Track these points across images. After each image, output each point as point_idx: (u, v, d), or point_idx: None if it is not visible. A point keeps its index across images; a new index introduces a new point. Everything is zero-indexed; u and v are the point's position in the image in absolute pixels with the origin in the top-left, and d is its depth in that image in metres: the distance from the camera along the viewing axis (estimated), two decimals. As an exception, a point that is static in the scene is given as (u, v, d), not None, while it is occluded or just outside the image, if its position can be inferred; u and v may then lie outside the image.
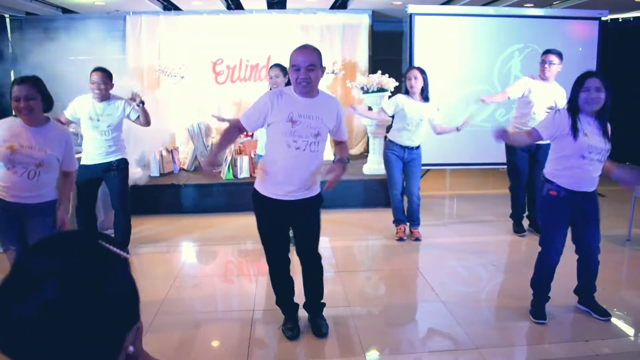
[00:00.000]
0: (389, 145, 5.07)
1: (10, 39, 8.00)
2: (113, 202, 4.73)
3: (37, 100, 3.09)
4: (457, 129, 5.08)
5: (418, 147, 5.05)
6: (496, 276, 4.45)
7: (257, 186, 3.17)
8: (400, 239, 5.16)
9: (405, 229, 5.24)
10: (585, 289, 3.53)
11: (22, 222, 3.21)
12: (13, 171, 3.10)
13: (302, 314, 3.45)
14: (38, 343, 0.75)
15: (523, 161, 5.17)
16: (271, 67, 4.83)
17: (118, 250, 0.88)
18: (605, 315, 3.43)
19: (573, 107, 3.26)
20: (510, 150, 5.20)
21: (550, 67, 4.96)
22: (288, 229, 3.35)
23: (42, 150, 3.13)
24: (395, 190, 5.15)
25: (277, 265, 3.33)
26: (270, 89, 4.64)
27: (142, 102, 4.48)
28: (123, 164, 4.64)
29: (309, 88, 2.98)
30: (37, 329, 0.74)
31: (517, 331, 3.39)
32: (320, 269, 3.39)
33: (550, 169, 3.38)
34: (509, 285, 4.24)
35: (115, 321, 0.82)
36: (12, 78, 7.56)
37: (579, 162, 3.22)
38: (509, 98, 5.21)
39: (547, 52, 5.03)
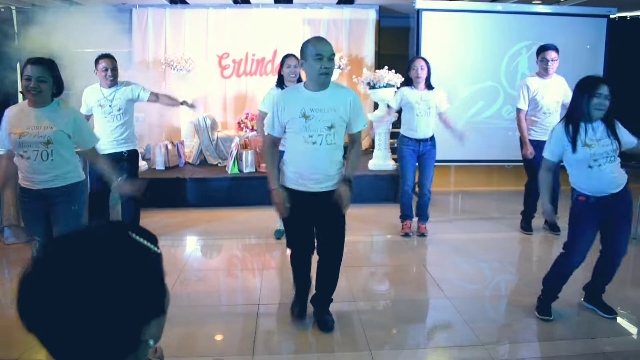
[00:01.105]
0: (403, 140, 5.04)
1: (16, 30, 7.99)
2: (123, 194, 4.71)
3: (47, 83, 3.12)
4: (460, 137, 5.03)
5: (432, 139, 4.99)
6: (501, 273, 4.44)
7: (283, 182, 3.20)
8: (406, 235, 5.16)
9: (411, 225, 5.23)
10: (596, 288, 3.50)
11: (47, 211, 3.23)
12: (27, 156, 3.13)
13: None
14: (61, 328, 0.78)
15: (537, 158, 5.13)
16: (288, 56, 4.74)
17: (148, 244, 0.89)
18: (611, 313, 3.42)
19: (577, 114, 3.20)
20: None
21: (553, 64, 4.93)
22: (313, 221, 3.27)
23: (47, 127, 3.13)
24: (406, 186, 5.14)
25: (300, 258, 3.37)
26: (283, 81, 4.68)
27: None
28: (134, 154, 4.67)
29: (329, 78, 3.02)
30: (60, 314, 0.77)
31: (523, 328, 3.38)
32: (339, 265, 3.34)
33: (573, 180, 3.34)
34: (515, 282, 4.24)
35: (136, 313, 0.83)
36: (19, 69, 7.57)
37: (590, 171, 3.20)
38: (527, 111, 5.11)
39: (546, 49, 4.96)
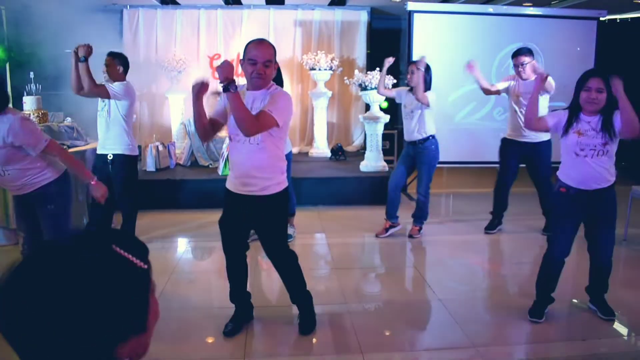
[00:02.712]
0: (405, 142, 5.16)
1: (5, 30, 7.92)
2: (117, 200, 4.57)
3: None
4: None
5: (423, 142, 4.95)
6: (493, 274, 4.45)
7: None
8: (376, 236, 5.19)
9: (390, 226, 5.21)
10: (595, 288, 3.51)
11: (32, 210, 3.21)
12: None
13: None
14: (34, 340, 0.75)
15: (510, 156, 5.17)
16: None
17: (134, 258, 0.84)
18: (609, 314, 3.42)
19: (574, 106, 3.26)
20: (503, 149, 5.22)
21: (524, 68, 4.96)
22: (244, 222, 3.23)
23: None
24: (390, 182, 5.17)
25: (233, 260, 3.34)
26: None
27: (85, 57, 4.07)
28: (123, 159, 4.48)
29: (260, 82, 2.92)
30: (33, 326, 0.75)
31: (515, 329, 3.39)
32: (289, 266, 3.32)
33: (560, 168, 3.38)
34: (507, 283, 4.25)
35: (113, 330, 0.80)
36: (8, 70, 7.50)
37: (575, 159, 3.23)
38: (497, 90, 5.24)
39: (517, 54, 5.01)
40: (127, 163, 4.52)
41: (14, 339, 0.76)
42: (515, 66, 5.01)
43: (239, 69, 8.41)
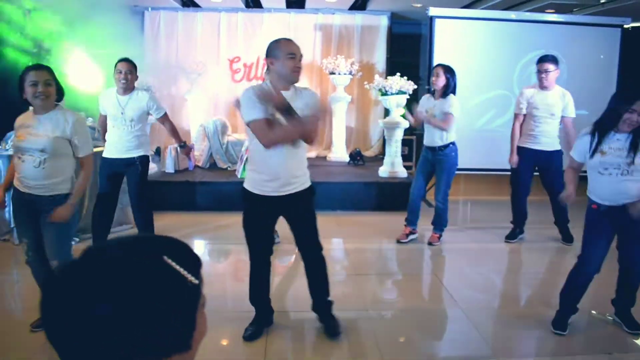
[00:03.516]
0: (423, 146, 5.11)
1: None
2: (133, 200, 4.68)
3: (53, 87, 3.11)
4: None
5: (444, 148, 4.89)
6: (515, 284, 4.40)
7: (246, 184, 3.16)
8: (398, 241, 5.15)
9: (410, 232, 5.20)
10: (622, 301, 3.44)
11: (37, 215, 3.18)
12: (22, 160, 3.10)
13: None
14: (76, 344, 0.73)
15: (523, 166, 5.09)
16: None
17: (185, 272, 0.79)
18: (635, 329, 3.35)
19: (607, 123, 3.14)
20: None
21: (547, 75, 4.87)
22: (273, 224, 3.30)
23: (45, 135, 3.08)
24: (412, 190, 5.14)
25: (261, 263, 3.30)
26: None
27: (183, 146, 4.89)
28: (145, 160, 4.60)
29: (299, 76, 3.00)
30: (77, 335, 0.73)
31: (538, 341, 3.34)
32: (323, 261, 3.34)
33: (588, 185, 3.30)
34: (529, 293, 4.19)
35: (154, 347, 0.76)
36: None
37: (600, 177, 3.17)
38: (523, 115, 5.09)
39: (542, 60, 4.91)
40: (148, 163, 4.69)
41: (57, 344, 0.75)
42: (539, 72, 4.92)
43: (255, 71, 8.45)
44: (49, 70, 3.11)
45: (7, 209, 5.03)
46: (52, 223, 3.12)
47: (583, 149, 3.24)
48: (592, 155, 3.17)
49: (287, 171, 3.04)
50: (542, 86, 4.93)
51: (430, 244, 5.12)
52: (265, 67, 4.51)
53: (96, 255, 0.79)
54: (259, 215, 3.16)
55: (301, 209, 3.19)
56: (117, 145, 4.43)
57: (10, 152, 4.97)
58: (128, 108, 4.38)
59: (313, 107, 3.04)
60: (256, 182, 3.07)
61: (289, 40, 3.00)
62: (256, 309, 3.38)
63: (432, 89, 4.96)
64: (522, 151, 5.06)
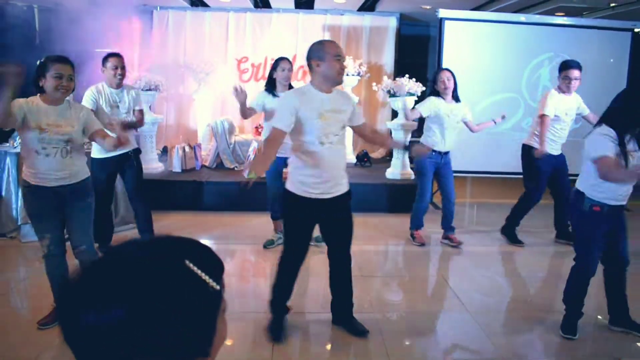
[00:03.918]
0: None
1: (37, 29, 8.03)
2: (131, 194, 4.70)
3: (73, 82, 3.19)
4: (494, 122, 5.18)
5: (448, 151, 5.02)
6: (523, 287, 4.37)
7: (292, 187, 3.11)
8: (423, 244, 5.12)
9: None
10: (619, 305, 3.41)
11: (59, 208, 3.23)
12: (45, 153, 3.11)
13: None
14: (93, 347, 0.72)
15: (542, 168, 5.05)
16: (282, 59, 4.71)
17: (206, 276, 0.78)
18: None
19: (632, 124, 3.05)
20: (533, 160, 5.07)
21: (576, 82, 4.85)
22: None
23: (70, 126, 3.15)
24: (425, 199, 5.13)
25: (295, 267, 3.27)
26: (275, 84, 4.70)
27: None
28: (139, 152, 4.69)
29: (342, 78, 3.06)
30: (93, 334, 0.71)
31: (546, 345, 3.31)
32: (350, 264, 3.36)
33: (591, 187, 3.19)
34: (537, 297, 4.15)
35: (171, 351, 0.74)
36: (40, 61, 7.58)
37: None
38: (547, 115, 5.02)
39: (570, 66, 4.84)
40: (140, 154, 4.75)
41: (74, 345, 0.74)
42: (566, 78, 4.84)
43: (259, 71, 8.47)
44: (72, 65, 3.16)
45: (14, 206, 5.07)
46: (81, 211, 3.27)
47: (612, 146, 3.04)
48: (627, 161, 3.02)
49: (338, 171, 3.10)
50: (567, 91, 4.89)
51: (456, 245, 5.12)
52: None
53: (117, 256, 0.78)
54: (305, 219, 3.14)
55: (344, 212, 3.21)
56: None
57: (20, 149, 4.98)
58: (124, 101, 4.43)
59: (356, 115, 3.18)
60: (306, 184, 3.04)
61: (333, 42, 3.04)
62: (278, 314, 3.34)
63: (437, 92, 4.92)
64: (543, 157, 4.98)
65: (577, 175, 3.38)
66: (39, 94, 3.16)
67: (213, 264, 0.82)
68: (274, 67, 4.71)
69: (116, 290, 0.72)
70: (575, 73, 4.81)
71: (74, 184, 3.24)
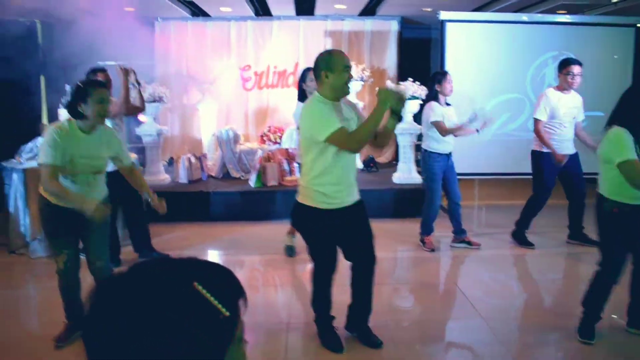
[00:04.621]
0: (432, 156, 4.97)
1: (40, 43, 8.06)
2: (131, 211, 4.73)
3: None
4: (477, 131, 5.02)
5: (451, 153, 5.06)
6: (536, 291, 4.33)
7: (311, 202, 3.07)
8: (433, 250, 5.08)
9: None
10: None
11: (78, 225, 3.21)
12: (71, 181, 3.11)
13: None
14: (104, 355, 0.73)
15: (549, 170, 5.02)
16: (308, 70, 4.72)
17: (215, 302, 0.74)
18: None
19: None
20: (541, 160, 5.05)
21: (578, 78, 4.84)
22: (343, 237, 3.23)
23: (100, 157, 3.18)
24: (436, 204, 5.11)
25: (330, 279, 3.24)
26: (306, 95, 4.64)
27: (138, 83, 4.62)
28: (136, 165, 4.66)
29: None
30: (104, 344, 0.72)
31: (563, 351, 3.28)
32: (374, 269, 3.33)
33: (613, 188, 3.13)
34: (551, 301, 4.12)
35: None
36: (42, 83, 7.62)
37: None
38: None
39: (571, 63, 4.86)
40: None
41: (90, 353, 0.74)
42: (568, 75, 4.85)
43: (276, 80, 8.45)
44: (107, 88, 3.24)
45: (22, 223, 5.07)
46: (98, 228, 3.25)
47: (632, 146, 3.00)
48: None
49: (351, 179, 3.10)
50: (568, 89, 4.88)
51: (479, 246, 5.13)
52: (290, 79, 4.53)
53: (129, 276, 0.78)
54: (330, 231, 3.10)
55: (363, 219, 3.20)
56: None
57: (27, 166, 4.98)
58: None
59: (361, 119, 3.14)
60: (326, 195, 3.02)
61: (341, 52, 3.05)
62: (325, 326, 3.30)
63: (436, 96, 4.91)
64: (550, 158, 4.95)
65: (590, 174, 3.33)
66: (71, 119, 3.13)
67: (228, 289, 0.79)
68: (303, 79, 4.75)
69: (126, 306, 0.73)
70: (577, 69, 4.82)
71: None
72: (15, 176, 5.07)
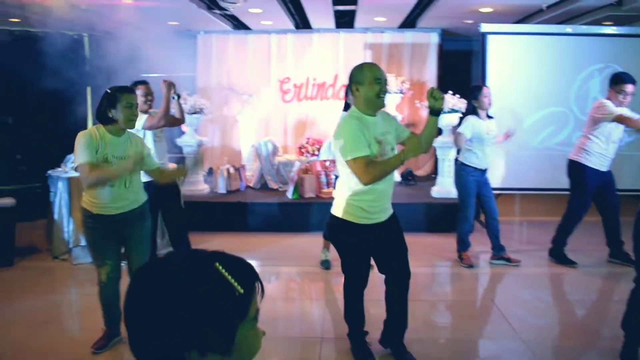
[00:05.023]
0: (467, 170, 4.89)
1: (88, 56, 8.31)
2: (170, 219, 4.75)
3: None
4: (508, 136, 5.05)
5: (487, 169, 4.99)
6: (576, 311, 4.18)
7: (348, 216, 3.04)
8: (471, 266, 4.99)
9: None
10: None
11: (119, 234, 3.29)
12: (109, 184, 3.16)
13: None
14: (135, 331, 0.90)
15: (595, 186, 4.86)
16: None
17: (232, 280, 0.89)
18: None
19: None
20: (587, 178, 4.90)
21: (628, 98, 4.66)
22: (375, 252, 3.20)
23: (131, 157, 3.20)
24: (470, 220, 5.05)
25: (361, 293, 3.21)
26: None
27: (178, 95, 4.65)
28: None
29: (385, 101, 3.02)
30: (136, 320, 0.89)
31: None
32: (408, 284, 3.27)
33: None
34: (592, 321, 3.96)
35: (189, 339, 0.87)
36: (89, 94, 7.84)
37: None
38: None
39: (625, 80, 4.64)
40: None
41: (128, 325, 0.91)
42: (620, 93, 4.64)
43: (315, 92, 8.50)
44: (135, 93, 3.27)
45: (65, 229, 5.20)
46: (139, 234, 3.34)
47: None
48: None
49: (387, 195, 3.07)
50: (619, 105, 4.67)
51: (518, 264, 5.02)
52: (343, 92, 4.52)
53: (165, 259, 0.95)
54: (364, 246, 3.07)
55: (398, 232, 3.16)
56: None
57: (71, 174, 5.12)
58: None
59: (400, 129, 3.13)
60: (365, 210, 2.99)
61: (373, 65, 3.01)
62: (358, 341, 3.28)
63: (474, 110, 4.85)
64: (592, 173, 4.82)
65: (625, 190, 3.23)
66: (101, 125, 3.21)
67: (244, 272, 0.93)
68: (347, 92, 4.74)
69: (154, 282, 0.90)
70: (630, 88, 4.63)
71: (133, 209, 3.30)
72: (60, 184, 5.22)
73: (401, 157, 2.81)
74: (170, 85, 4.44)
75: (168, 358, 0.87)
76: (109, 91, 3.19)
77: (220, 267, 0.89)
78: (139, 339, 0.89)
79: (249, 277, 0.93)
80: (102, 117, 3.18)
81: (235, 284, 0.89)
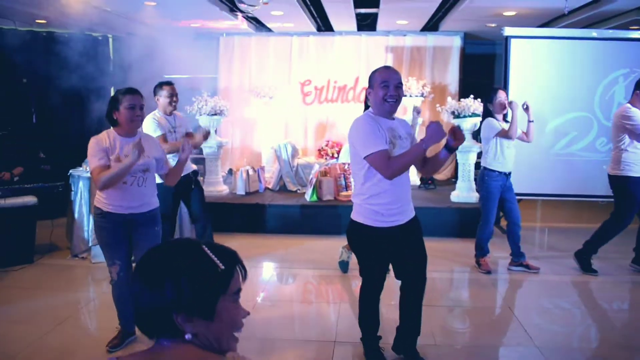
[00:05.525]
0: (490, 175, 4.82)
1: (111, 57, 8.41)
2: (196, 215, 4.82)
3: (144, 111, 3.32)
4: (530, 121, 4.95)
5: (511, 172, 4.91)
6: (597, 321, 4.09)
7: (366, 220, 3.02)
8: (489, 272, 4.93)
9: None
10: None
11: (129, 236, 3.32)
12: (124, 181, 3.19)
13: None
14: (137, 300, 1.12)
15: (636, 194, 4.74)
16: None
17: (215, 259, 1.11)
18: None
19: None
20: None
21: None
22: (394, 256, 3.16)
23: (146, 155, 3.22)
24: (490, 225, 4.98)
25: (377, 298, 3.19)
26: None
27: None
28: (197, 174, 4.83)
29: (396, 106, 2.95)
30: (137, 290, 1.11)
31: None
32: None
33: None
34: (612, 332, 3.88)
35: (177, 303, 1.07)
36: (112, 94, 7.94)
37: None
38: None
39: None
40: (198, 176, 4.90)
41: (133, 291, 1.13)
42: None
43: (336, 95, 8.50)
44: (141, 95, 3.28)
45: (85, 228, 5.27)
46: (148, 237, 3.34)
47: None
48: None
49: (405, 197, 3.03)
50: None
51: (537, 272, 4.96)
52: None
53: (165, 243, 1.19)
54: (383, 250, 3.04)
55: (417, 237, 3.12)
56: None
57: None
58: (178, 127, 4.57)
59: (411, 134, 3.07)
60: (381, 214, 2.96)
61: (386, 68, 2.98)
62: (371, 346, 3.26)
63: (490, 112, 4.80)
64: (633, 180, 4.70)
65: None
66: (112, 127, 3.27)
67: (224, 253, 1.14)
68: (367, 96, 4.73)
69: (154, 262, 1.13)
70: None
71: (145, 212, 3.33)
72: (81, 184, 5.30)
73: (422, 145, 2.72)
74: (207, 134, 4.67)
75: (162, 321, 1.08)
76: (113, 94, 3.26)
77: (206, 248, 1.12)
78: (139, 305, 1.10)
79: (231, 259, 1.13)
80: (109, 119, 3.25)
81: (217, 262, 1.10)
